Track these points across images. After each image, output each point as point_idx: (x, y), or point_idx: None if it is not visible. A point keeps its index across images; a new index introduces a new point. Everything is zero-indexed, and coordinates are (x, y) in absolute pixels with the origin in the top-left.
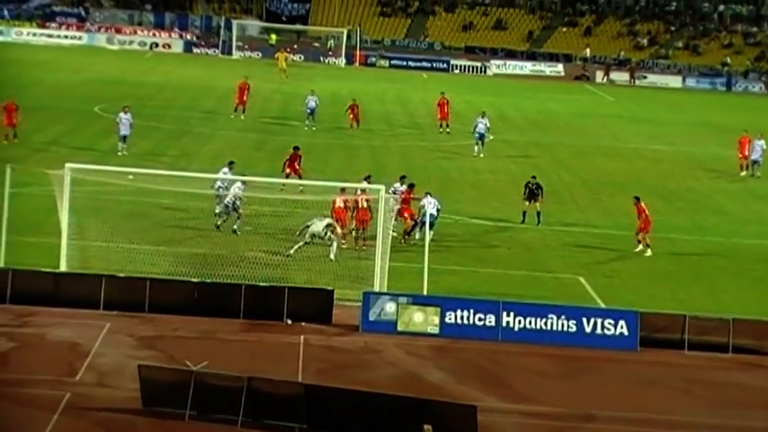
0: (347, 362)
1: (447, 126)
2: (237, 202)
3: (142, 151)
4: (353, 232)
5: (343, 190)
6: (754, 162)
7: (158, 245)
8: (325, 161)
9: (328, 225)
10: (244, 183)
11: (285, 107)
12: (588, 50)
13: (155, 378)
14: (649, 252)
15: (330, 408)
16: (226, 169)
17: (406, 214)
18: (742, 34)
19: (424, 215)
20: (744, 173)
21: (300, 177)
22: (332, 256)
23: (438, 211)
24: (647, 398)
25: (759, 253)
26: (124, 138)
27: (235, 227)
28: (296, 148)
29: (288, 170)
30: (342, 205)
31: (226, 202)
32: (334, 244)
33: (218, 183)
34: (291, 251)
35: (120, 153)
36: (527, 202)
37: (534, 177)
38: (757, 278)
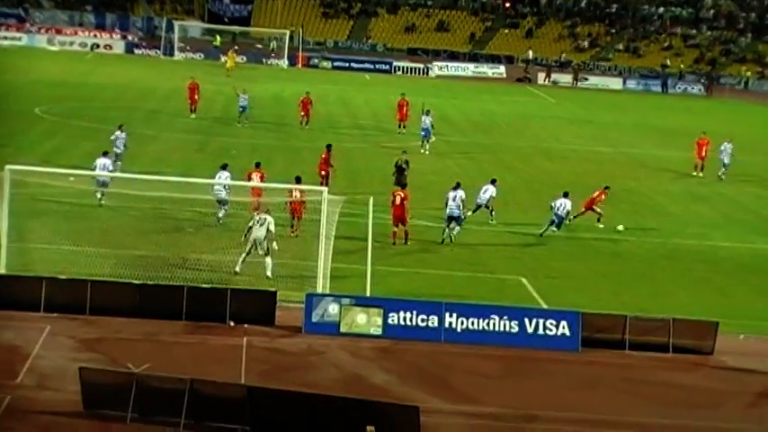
0: (290, 363)
1: (404, 127)
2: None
3: (83, 152)
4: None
5: (298, 180)
6: (724, 165)
7: (100, 247)
8: (269, 162)
9: (268, 231)
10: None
11: (228, 108)
12: (531, 52)
13: (96, 381)
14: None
15: (273, 410)
16: (224, 173)
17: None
18: (681, 36)
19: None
20: (697, 173)
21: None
22: (268, 273)
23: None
24: (588, 398)
25: (699, 254)
26: (117, 156)
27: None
28: (329, 147)
29: (322, 170)
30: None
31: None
32: (269, 260)
33: (217, 187)
34: (237, 268)
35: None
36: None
37: (405, 152)
38: (697, 279)
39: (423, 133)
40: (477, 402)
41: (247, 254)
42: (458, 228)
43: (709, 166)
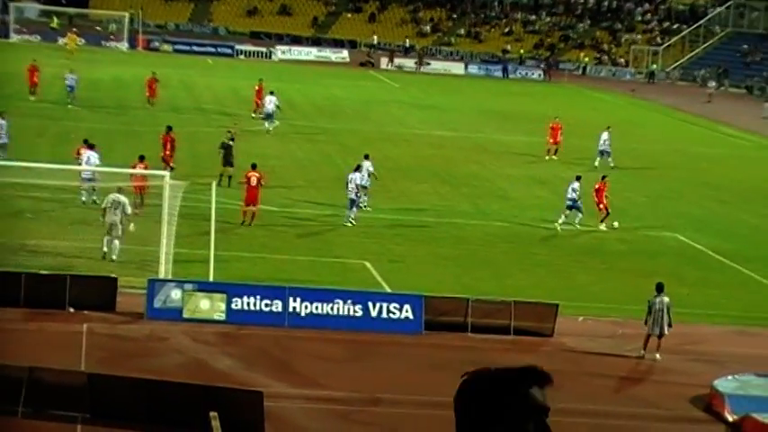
0: (132, 350)
1: (261, 113)
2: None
3: None
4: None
5: (141, 158)
6: (604, 152)
7: None
8: (110, 146)
9: (124, 214)
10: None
11: (67, 92)
12: (375, 37)
13: None
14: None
15: (114, 396)
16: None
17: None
18: (521, 22)
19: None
20: (550, 157)
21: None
22: (113, 256)
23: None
24: (431, 380)
25: (539, 237)
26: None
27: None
28: (169, 128)
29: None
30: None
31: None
32: (116, 243)
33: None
34: (114, 256)
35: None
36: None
37: (230, 131)
38: (538, 262)
39: (264, 114)
40: (322, 386)
41: (111, 239)
42: (355, 210)
43: (564, 152)
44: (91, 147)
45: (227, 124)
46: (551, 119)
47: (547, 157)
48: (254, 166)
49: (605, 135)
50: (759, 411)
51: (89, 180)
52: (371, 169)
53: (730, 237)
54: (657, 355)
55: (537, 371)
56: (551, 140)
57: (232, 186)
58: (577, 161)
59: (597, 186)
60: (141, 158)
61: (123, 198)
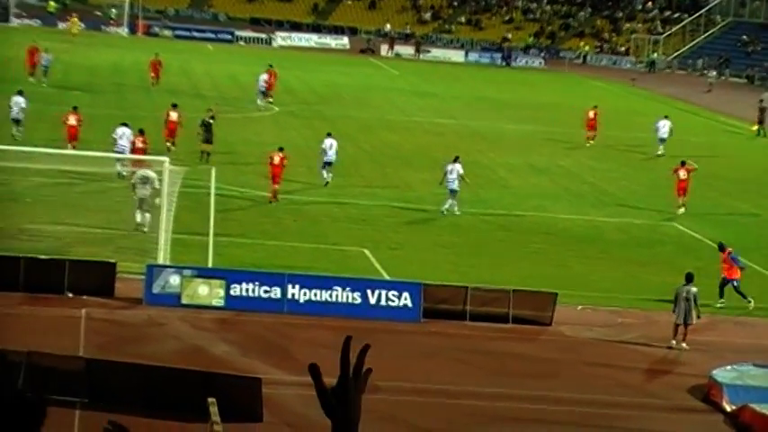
0: (130, 335)
1: (271, 98)
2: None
3: None
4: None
5: (141, 132)
6: (662, 140)
7: None
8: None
9: (153, 189)
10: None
11: (66, 77)
12: (389, 25)
13: None
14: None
15: (112, 382)
16: (125, 129)
17: None
18: (522, 10)
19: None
20: (589, 144)
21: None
22: (145, 229)
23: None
24: (429, 368)
25: (538, 226)
26: (17, 121)
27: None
28: (174, 106)
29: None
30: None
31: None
32: (147, 216)
33: (121, 143)
34: (146, 229)
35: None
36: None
37: (210, 110)
38: (536, 250)
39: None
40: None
41: (143, 213)
42: (453, 201)
43: (566, 140)
44: (125, 124)
45: (227, 110)
46: (590, 107)
47: (587, 144)
48: (281, 149)
49: (663, 123)
50: (757, 401)
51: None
52: (461, 171)
53: (729, 226)
54: (684, 345)
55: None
56: (589, 128)
57: (210, 163)
58: (582, 150)
59: (677, 170)
60: (141, 132)
61: (152, 173)
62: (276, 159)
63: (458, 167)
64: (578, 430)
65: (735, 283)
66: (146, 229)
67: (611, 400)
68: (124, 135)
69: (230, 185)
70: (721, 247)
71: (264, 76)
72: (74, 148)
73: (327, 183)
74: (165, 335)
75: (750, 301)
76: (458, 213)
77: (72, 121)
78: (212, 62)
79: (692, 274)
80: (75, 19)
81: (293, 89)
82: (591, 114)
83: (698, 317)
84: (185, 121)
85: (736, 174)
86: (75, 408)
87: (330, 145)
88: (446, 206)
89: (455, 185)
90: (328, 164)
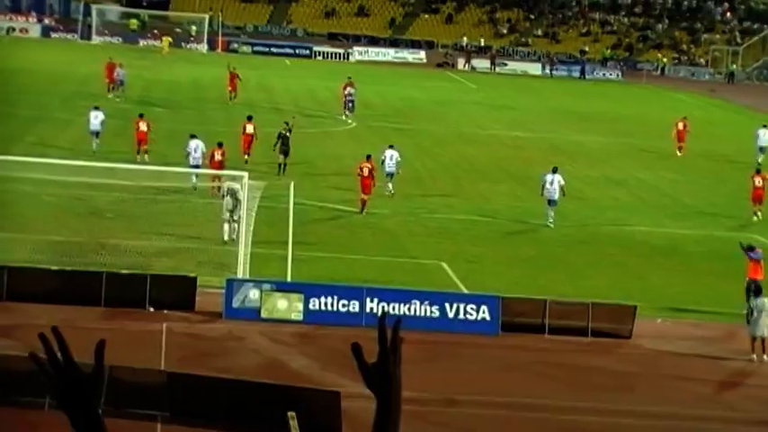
0: (210, 349)
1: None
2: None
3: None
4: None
5: (219, 145)
6: (761, 149)
7: (17, 232)
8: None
9: (238, 200)
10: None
11: (146, 93)
12: (465, 38)
13: (11, 368)
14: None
15: (193, 396)
16: (197, 142)
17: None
18: (599, 22)
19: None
20: (681, 154)
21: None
22: (230, 237)
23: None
24: (507, 381)
25: (616, 238)
26: (96, 133)
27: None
28: (249, 118)
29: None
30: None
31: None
32: (235, 225)
33: (194, 155)
34: (226, 237)
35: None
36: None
37: (287, 123)
38: (614, 263)
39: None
40: None
41: (228, 222)
42: (552, 213)
43: (646, 152)
44: (194, 136)
45: (305, 125)
46: (680, 118)
47: (678, 154)
48: (368, 157)
49: (763, 131)
50: None
51: (195, 167)
52: (563, 182)
53: None
54: (766, 357)
55: None
56: (678, 140)
57: (287, 175)
58: (661, 162)
59: (753, 177)
60: (219, 145)
61: (237, 186)
62: (365, 171)
63: (558, 178)
64: None
65: None
66: (234, 237)
67: (691, 413)
68: (198, 147)
69: (308, 199)
70: None
71: (349, 89)
72: (144, 153)
73: (392, 193)
74: (244, 348)
75: None
76: (551, 226)
77: (143, 127)
78: (290, 77)
79: (761, 285)
80: (167, 38)
81: (371, 103)
82: (680, 126)
83: None
84: (261, 135)
85: None
86: (156, 421)
87: (391, 156)
88: (550, 220)
89: (556, 196)
90: (390, 175)
